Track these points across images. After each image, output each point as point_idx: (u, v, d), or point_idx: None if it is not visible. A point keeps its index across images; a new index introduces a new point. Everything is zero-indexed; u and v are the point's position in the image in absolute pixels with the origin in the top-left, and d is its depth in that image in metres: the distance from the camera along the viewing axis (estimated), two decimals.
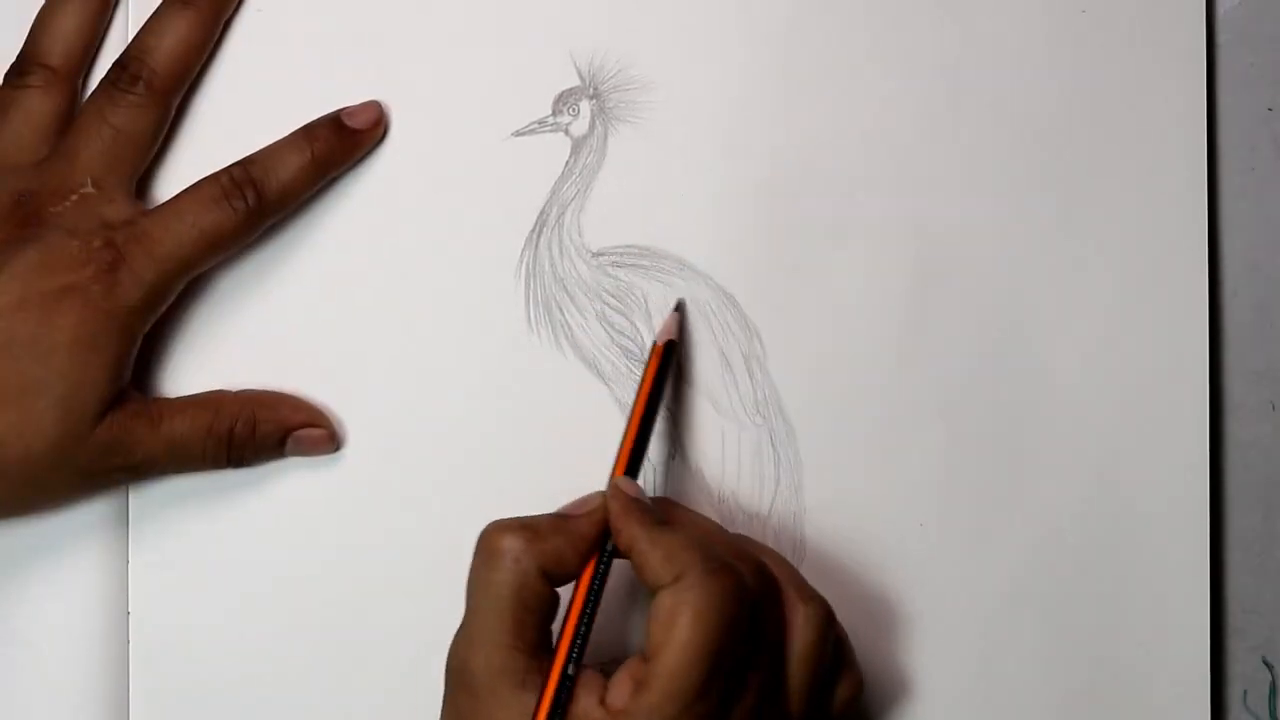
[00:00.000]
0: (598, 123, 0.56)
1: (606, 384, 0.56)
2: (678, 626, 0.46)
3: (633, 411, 0.52)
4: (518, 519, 0.49)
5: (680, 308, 0.56)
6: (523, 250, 0.56)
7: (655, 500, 0.53)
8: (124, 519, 0.55)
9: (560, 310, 0.56)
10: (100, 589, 0.55)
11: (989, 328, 0.57)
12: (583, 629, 0.48)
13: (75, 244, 0.51)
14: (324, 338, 0.56)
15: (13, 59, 0.55)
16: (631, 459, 0.51)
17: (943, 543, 0.57)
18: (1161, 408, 0.58)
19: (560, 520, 0.49)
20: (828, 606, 0.50)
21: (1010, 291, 0.58)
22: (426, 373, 0.56)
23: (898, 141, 0.57)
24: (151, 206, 0.53)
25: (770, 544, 0.55)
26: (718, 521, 0.53)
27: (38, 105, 0.54)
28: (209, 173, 0.53)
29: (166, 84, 0.54)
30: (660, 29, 0.57)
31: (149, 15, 0.54)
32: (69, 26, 0.54)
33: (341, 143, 0.55)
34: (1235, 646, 0.58)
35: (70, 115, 0.54)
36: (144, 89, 0.53)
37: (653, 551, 0.48)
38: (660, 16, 0.57)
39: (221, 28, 0.55)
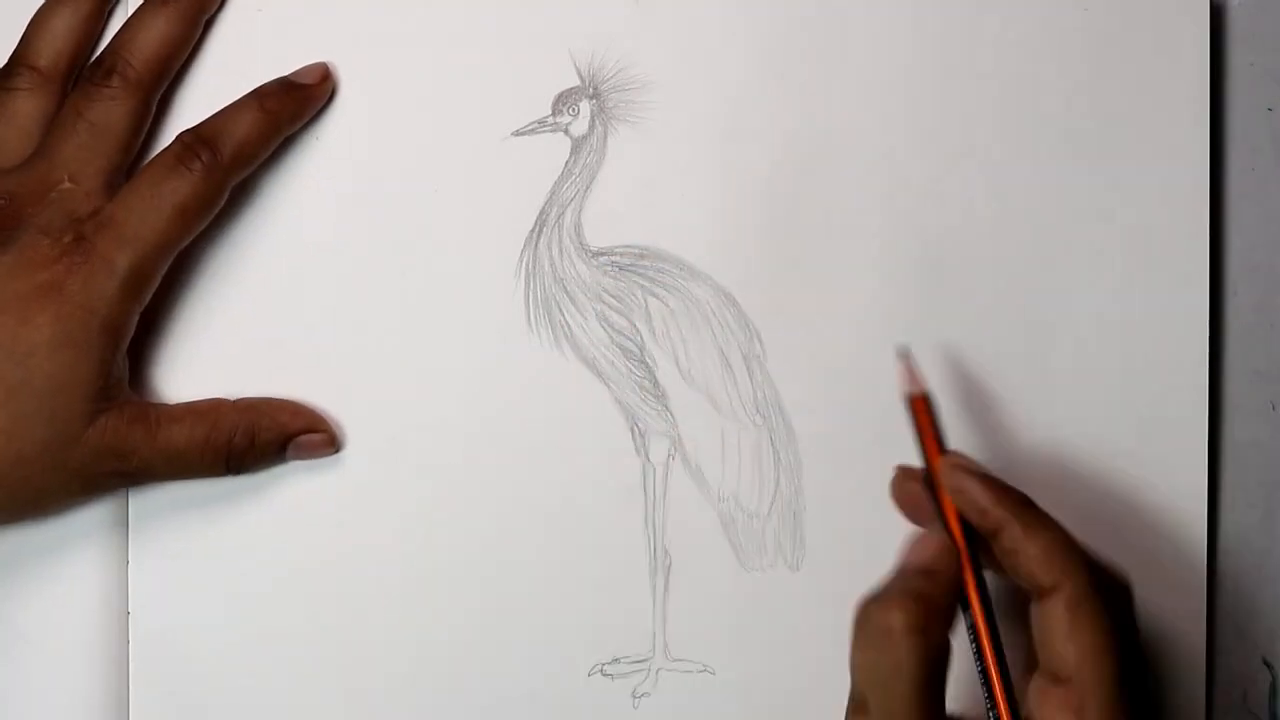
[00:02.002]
0: (598, 123, 0.56)
1: (606, 384, 0.56)
2: (1090, 645, 0.44)
3: (919, 429, 0.50)
4: (894, 590, 0.46)
5: (905, 354, 0.52)
6: (523, 250, 0.56)
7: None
8: (124, 519, 0.55)
9: (560, 310, 0.56)
10: (100, 589, 0.55)
11: (989, 327, 0.57)
12: (1004, 674, 0.46)
13: (47, 242, 0.51)
14: (323, 338, 0.56)
15: None
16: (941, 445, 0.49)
17: None
18: (1161, 408, 0.58)
19: (926, 575, 0.46)
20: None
21: (1010, 291, 0.57)
22: (426, 373, 0.56)
23: (897, 141, 0.57)
24: None
25: (770, 544, 0.55)
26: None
27: (23, 108, 0.53)
28: None
29: (141, 76, 0.53)
30: (659, 29, 0.57)
31: None
32: (59, 29, 0.54)
33: (291, 97, 0.55)
34: (1235, 646, 0.58)
35: None
36: (118, 81, 0.53)
37: (1028, 544, 0.46)
38: (659, 17, 0.57)
39: (203, 25, 0.55)
